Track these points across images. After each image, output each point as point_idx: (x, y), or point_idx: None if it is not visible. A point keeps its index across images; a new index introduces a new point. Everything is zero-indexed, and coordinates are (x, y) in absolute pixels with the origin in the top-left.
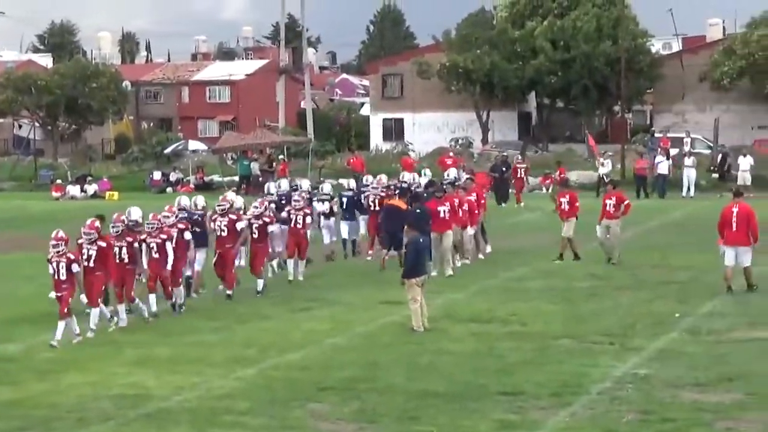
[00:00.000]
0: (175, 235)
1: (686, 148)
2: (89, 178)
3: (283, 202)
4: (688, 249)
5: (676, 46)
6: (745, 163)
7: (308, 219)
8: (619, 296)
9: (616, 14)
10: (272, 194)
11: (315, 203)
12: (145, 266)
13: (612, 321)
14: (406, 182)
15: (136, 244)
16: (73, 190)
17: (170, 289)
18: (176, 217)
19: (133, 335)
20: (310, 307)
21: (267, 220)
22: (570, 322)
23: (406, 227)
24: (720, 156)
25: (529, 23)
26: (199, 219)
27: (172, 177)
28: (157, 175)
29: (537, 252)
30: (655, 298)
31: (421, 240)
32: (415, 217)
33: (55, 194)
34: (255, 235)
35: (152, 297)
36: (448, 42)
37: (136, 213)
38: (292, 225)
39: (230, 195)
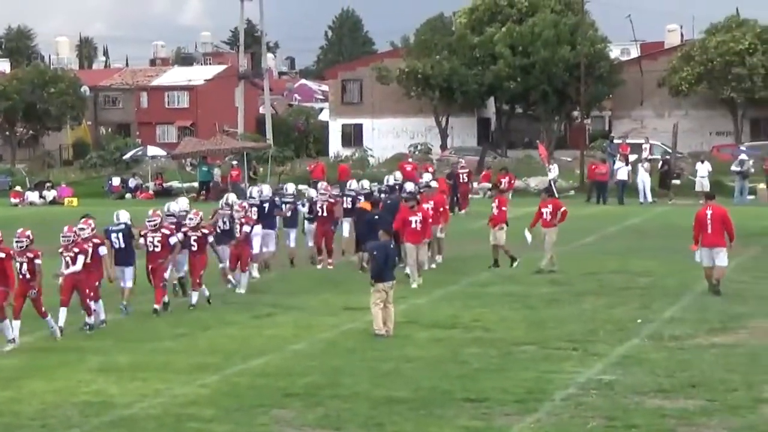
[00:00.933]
0: (90, 249)
1: (645, 154)
2: (48, 184)
3: (265, 206)
4: (647, 255)
5: (635, 52)
6: (703, 169)
7: (247, 228)
8: (580, 302)
9: (574, 20)
10: (254, 198)
11: (299, 206)
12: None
13: (574, 327)
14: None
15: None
16: (32, 196)
17: (88, 302)
18: (93, 230)
19: (95, 342)
20: (272, 313)
21: (206, 231)
22: (533, 328)
23: (380, 231)
24: (661, 162)
25: (488, 29)
26: (265, 204)
27: (131, 183)
28: (116, 181)
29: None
30: (616, 303)
31: (391, 245)
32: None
33: (13, 200)
34: (194, 248)
35: (99, 305)
36: (407, 47)
37: (123, 216)
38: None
39: (182, 201)
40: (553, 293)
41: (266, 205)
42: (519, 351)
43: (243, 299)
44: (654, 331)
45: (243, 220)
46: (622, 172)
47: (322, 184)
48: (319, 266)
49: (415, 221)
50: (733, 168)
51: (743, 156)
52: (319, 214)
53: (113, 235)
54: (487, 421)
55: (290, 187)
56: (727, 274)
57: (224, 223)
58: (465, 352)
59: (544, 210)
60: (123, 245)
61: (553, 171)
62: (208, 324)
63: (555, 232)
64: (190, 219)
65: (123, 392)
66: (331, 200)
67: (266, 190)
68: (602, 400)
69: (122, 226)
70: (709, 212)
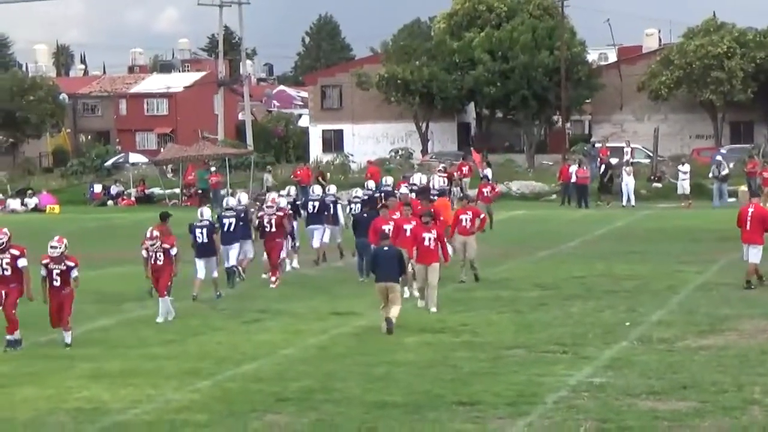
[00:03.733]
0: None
1: (626, 158)
2: (29, 192)
3: (243, 215)
4: (633, 258)
5: (613, 56)
6: (684, 170)
7: (173, 251)
8: (568, 306)
9: (552, 24)
10: (231, 207)
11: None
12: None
13: (563, 330)
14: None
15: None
16: (14, 203)
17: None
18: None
19: (84, 349)
20: (261, 319)
21: (167, 246)
22: (521, 332)
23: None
24: (603, 167)
25: (467, 34)
26: (242, 215)
27: (113, 190)
28: (97, 188)
29: (482, 261)
30: (604, 307)
31: (385, 248)
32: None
33: None
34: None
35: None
36: (387, 53)
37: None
38: (152, 262)
39: (243, 196)
40: (540, 297)
41: (243, 214)
42: (508, 354)
43: (232, 305)
44: (642, 334)
45: (166, 245)
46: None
47: (269, 197)
48: (272, 285)
49: (429, 239)
50: (710, 175)
51: (718, 158)
52: (267, 229)
53: (197, 230)
54: (480, 424)
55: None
56: (711, 277)
57: (230, 225)
58: (455, 356)
59: (462, 217)
60: (206, 240)
61: (488, 174)
62: (197, 330)
63: (475, 240)
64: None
65: (115, 398)
66: (280, 214)
67: (244, 198)
68: (594, 402)
69: (206, 222)
70: (750, 210)
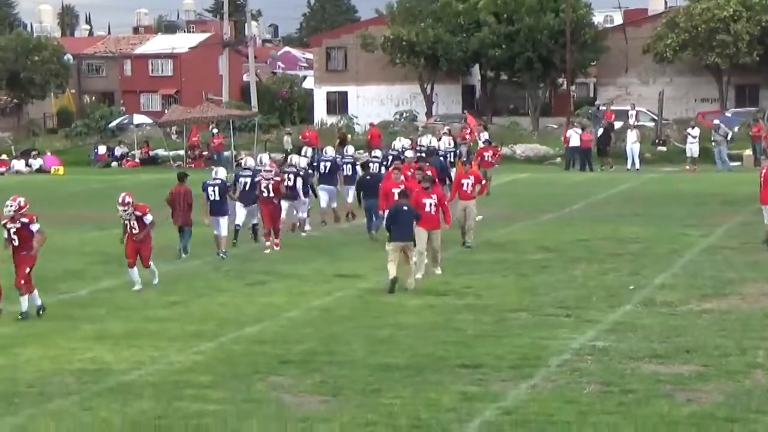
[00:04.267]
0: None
1: (631, 121)
2: (34, 153)
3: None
4: (637, 221)
5: (618, 18)
6: (694, 134)
7: (148, 219)
8: (571, 269)
9: None
10: (249, 167)
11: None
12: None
13: (567, 293)
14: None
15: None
16: (18, 164)
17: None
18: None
19: (88, 310)
20: (265, 281)
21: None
22: (525, 295)
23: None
24: (602, 130)
25: None
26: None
27: (117, 151)
28: (102, 150)
29: (485, 224)
30: (607, 270)
31: (404, 208)
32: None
33: None
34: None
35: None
36: (392, 15)
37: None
38: (129, 231)
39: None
40: (544, 260)
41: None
42: (512, 317)
43: (235, 267)
44: (646, 298)
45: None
46: (575, 139)
47: (266, 162)
48: (266, 251)
49: (430, 204)
50: (712, 139)
51: (716, 121)
52: (265, 194)
53: (209, 189)
54: (483, 386)
55: (296, 158)
56: (715, 241)
57: (245, 184)
58: (458, 319)
59: (464, 181)
60: (218, 198)
61: (484, 135)
62: (201, 292)
63: (475, 205)
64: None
65: (119, 359)
66: (277, 178)
67: (265, 158)
68: (597, 365)
69: (218, 181)
70: (763, 171)
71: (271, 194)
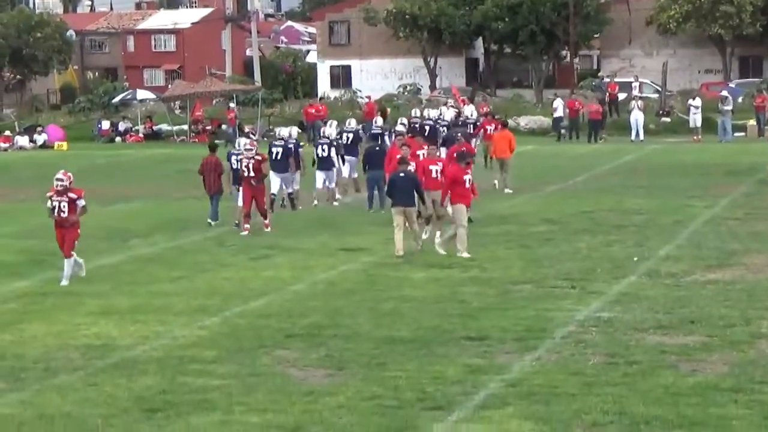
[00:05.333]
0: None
1: (635, 93)
2: (39, 128)
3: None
4: (641, 193)
5: None
6: (696, 105)
7: (80, 203)
8: (576, 241)
9: None
10: (281, 137)
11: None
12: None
13: (571, 265)
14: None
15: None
16: (22, 140)
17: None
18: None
19: (92, 286)
20: (269, 255)
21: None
22: (529, 267)
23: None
24: (597, 101)
25: None
26: (290, 146)
27: (121, 127)
28: (105, 125)
29: (489, 196)
30: (612, 242)
31: (402, 174)
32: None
33: (2, 145)
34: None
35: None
36: None
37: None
38: (56, 215)
39: (244, 140)
40: (548, 232)
41: (290, 146)
42: (516, 290)
43: (240, 241)
44: (650, 269)
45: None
46: (560, 111)
47: (245, 141)
48: (244, 233)
49: (436, 170)
50: (719, 108)
51: (723, 93)
52: (246, 174)
53: (233, 158)
54: (488, 359)
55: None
56: (719, 211)
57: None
58: (463, 292)
59: (432, 167)
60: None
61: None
62: (206, 266)
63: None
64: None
65: (124, 335)
66: (258, 158)
67: (294, 132)
68: (602, 337)
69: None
70: None
71: (251, 174)
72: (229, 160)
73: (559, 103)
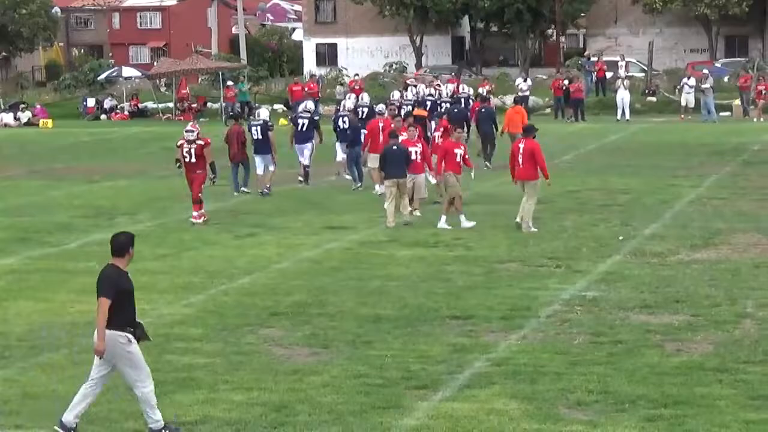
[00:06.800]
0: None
1: (621, 72)
2: (23, 106)
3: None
4: (627, 172)
5: None
6: (690, 84)
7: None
8: (562, 220)
9: None
10: (306, 110)
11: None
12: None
13: (557, 244)
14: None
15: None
16: (6, 117)
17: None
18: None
19: (78, 263)
20: (254, 233)
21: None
22: (515, 246)
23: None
24: (567, 80)
25: None
26: (314, 118)
27: (106, 104)
28: (90, 102)
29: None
30: (597, 221)
31: (394, 147)
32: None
33: None
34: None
35: None
36: None
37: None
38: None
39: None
40: (534, 211)
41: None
42: (502, 268)
43: (224, 219)
44: (636, 248)
45: (201, 142)
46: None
47: (265, 111)
48: (192, 219)
49: (416, 152)
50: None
51: (704, 71)
52: (187, 159)
53: (253, 129)
54: (473, 338)
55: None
56: (704, 191)
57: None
58: (448, 270)
59: (412, 149)
60: (261, 137)
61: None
62: (190, 245)
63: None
64: (188, 131)
65: None
66: (200, 143)
67: (310, 105)
68: (587, 316)
69: (261, 122)
70: None
71: (193, 159)
72: (250, 130)
73: (520, 81)
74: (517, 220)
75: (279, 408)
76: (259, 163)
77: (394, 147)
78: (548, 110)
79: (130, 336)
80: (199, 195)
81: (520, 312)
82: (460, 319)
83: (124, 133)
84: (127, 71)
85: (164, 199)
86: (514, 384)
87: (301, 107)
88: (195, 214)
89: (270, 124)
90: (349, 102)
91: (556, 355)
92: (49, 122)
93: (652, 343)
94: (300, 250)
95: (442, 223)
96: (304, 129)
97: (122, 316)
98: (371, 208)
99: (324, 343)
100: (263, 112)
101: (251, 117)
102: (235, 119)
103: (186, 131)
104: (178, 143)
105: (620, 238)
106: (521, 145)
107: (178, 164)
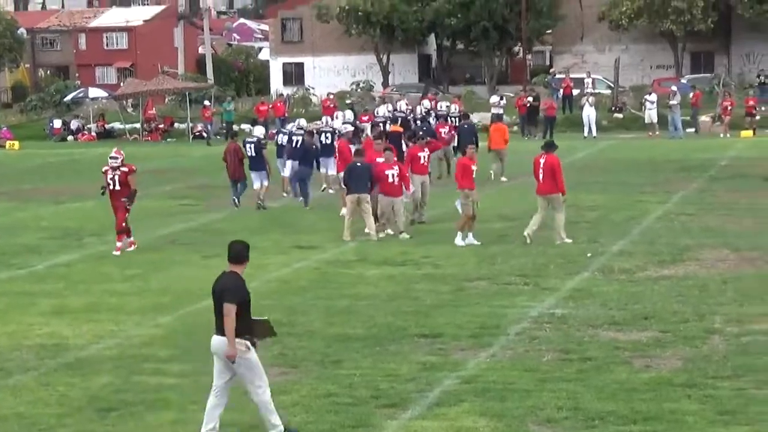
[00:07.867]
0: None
1: (588, 89)
2: None
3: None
4: (594, 189)
5: None
6: (652, 100)
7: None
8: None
9: None
10: (301, 127)
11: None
12: None
13: (525, 261)
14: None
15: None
16: None
17: None
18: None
19: (46, 285)
20: (221, 254)
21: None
22: (483, 264)
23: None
24: (531, 98)
25: None
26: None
27: (73, 125)
28: (57, 124)
29: (443, 194)
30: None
31: (358, 164)
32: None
33: None
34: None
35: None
36: None
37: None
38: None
39: (347, 113)
40: (503, 228)
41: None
42: (470, 286)
43: (192, 239)
44: (604, 265)
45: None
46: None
47: (260, 129)
48: (116, 252)
49: (392, 175)
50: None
51: (673, 88)
52: (111, 186)
53: (247, 146)
54: (442, 356)
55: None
56: (672, 207)
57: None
58: (417, 289)
59: (420, 155)
60: (254, 154)
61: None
62: (159, 265)
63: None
64: (112, 157)
65: (77, 334)
66: (125, 170)
67: (303, 122)
68: (556, 333)
69: (254, 139)
70: None
71: (118, 187)
72: (244, 146)
73: (496, 99)
74: (526, 233)
75: (249, 429)
76: (255, 179)
77: (358, 164)
78: (515, 128)
79: (248, 343)
80: (123, 224)
81: (489, 330)
82: (429, 337)
83: (90, 154)
84: (94, 92)
85: (131, 220)
86: (484, 402)
87: (293, 125)
88: (119, 244)
89: (264, 141)
90: (336, 121)
91: (526, 373)
92: (16, 144)
93: (621, 359)
94: (268, 270)
95: (464, 240)
96: (299, 146)
97: (242, 323)
98: (339, 227)
99: (293, 363)
100: (258, 130)
101: (232, 137)
102: (232, 137)
103: (110, 158)
104: (103, 169)
105: (588, 254)
106: (542, 160)
107: (102, 191)
